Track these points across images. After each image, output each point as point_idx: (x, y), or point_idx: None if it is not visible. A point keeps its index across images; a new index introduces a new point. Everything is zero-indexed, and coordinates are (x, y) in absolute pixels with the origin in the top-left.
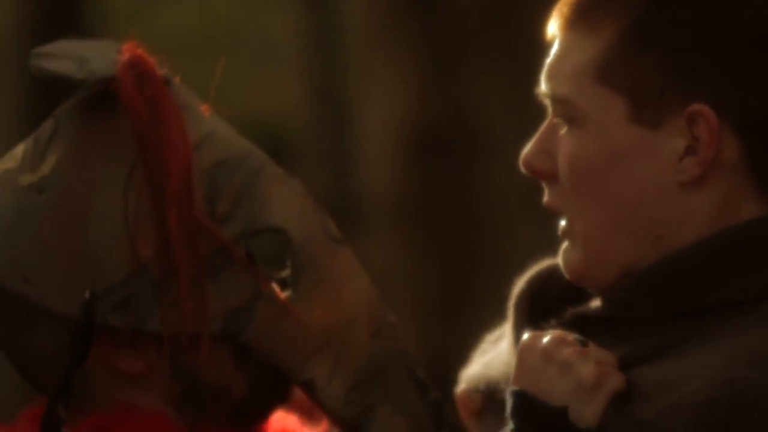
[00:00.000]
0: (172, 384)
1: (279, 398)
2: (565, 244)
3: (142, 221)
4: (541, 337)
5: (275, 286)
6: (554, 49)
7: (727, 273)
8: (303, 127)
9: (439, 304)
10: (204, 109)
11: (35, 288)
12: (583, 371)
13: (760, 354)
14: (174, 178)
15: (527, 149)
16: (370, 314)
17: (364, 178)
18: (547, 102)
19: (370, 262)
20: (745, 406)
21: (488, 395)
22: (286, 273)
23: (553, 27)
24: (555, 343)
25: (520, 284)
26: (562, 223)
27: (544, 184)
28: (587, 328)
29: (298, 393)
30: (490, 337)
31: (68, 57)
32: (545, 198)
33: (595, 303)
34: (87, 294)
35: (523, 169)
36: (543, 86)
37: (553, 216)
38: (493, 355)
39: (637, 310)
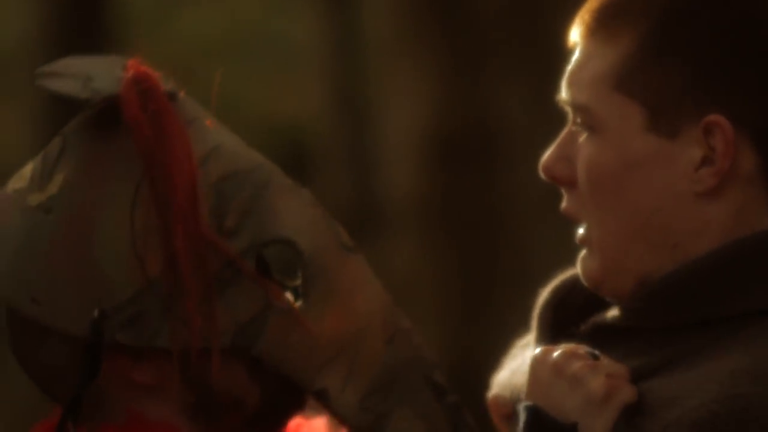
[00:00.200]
0: (186, 395)
1: (294, 407)
2: (583, 252)
3: (150, 238)
4: (552, 351)
5: (286, 298)
6: (575, 56)
7: (742, 284)
8: (325, 131)
9: (460, 307)
10: (209, 123)
11: (44, 309)
12: (593, 384)
13: (762, 369)
14: (179, 194)
15: (547, 155)
16: (383, 321)
17: (386, 182)
18: (568, 109)
19: (391, 266)
20: (747, 422)
21: (515, 402)
22: (297, 284)
23: (575, 34)
24: (565, 356)
25: (544, 294)
26: (580, 230)
27: (563, 191)
28: (605, 338)
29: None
30: (520, 342)
31: (72, 76)
32: (563, 204)
33: (613, 312)
34: (95, 313)
35: (542, 175)
36: (563, 93)
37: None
38: (519, 363)
39: (652, 320)
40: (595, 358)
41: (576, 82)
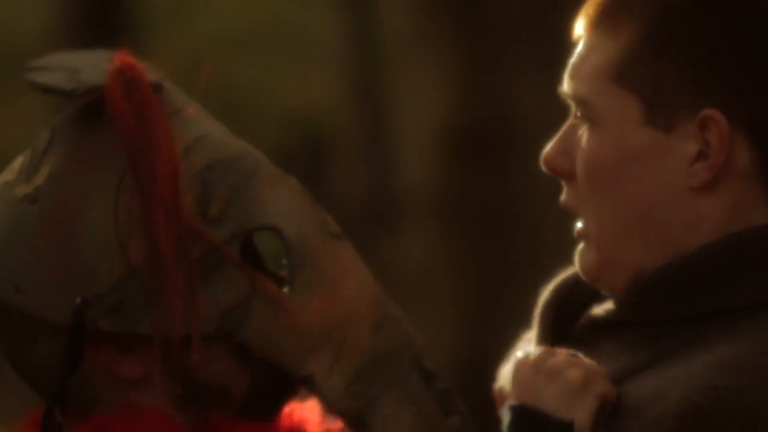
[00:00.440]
0: (173, 385)
1: (286, 393)
2: (581, 246)
3: (133, 226)
4: (532, 354)
5: (271, 284)
6: (578, 49)
7: (735, 278)
8: (342, 124)
9: (475, 300)
10: (194, 112)
11: (27, 297)
12: (571, 374)
13: (746, 361)
14: (161, 183)
15: (548, 148)
16: (370, 308)
17: (403, 175)
18: (570, 102)
19: (407, 258)
20: (729, 413)
21: None
22: (283, 271)
23: (579, 27)
24: (543, 354)
25: (545, 292)
26: (578, 224)
27: (563, 184)
28: (600, 332)
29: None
30: (527, 336)
31: (60, 69)
32: (562, 197)
33: (608, 307)
34: (78, 300)
35: (543, 168)
36: (565, 86)
37: None
38: None
39: (645, 314)
40: (573, 357)
41: (577, 75)
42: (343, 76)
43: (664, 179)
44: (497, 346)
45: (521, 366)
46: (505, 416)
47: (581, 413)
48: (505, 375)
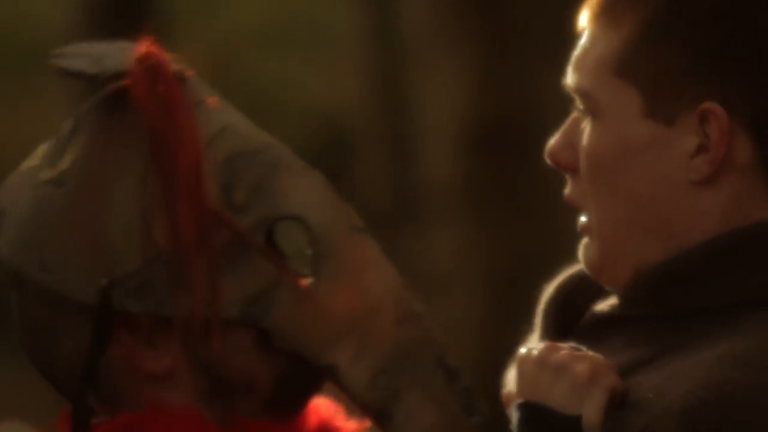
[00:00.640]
0: (199, 379)
1: (310, 388)
2: (584, 240)
3: (158, 209)
4: (534, 349)
5: (296, 273)
6: (581, 41)
7: (736, 273)
8: (365, 119)
9: (497, 295)
10: (217, 103)
11: (53, 276)
12: (578, 368)
13: (751, 356)
14: (183, 169)
15: (552, 142)
16: (394, 302)
17: (425, 170)
18: (573, 95)
19: (430, 252)
20: (734, 408)
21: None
22: (307, 260)
23: (583, 19)
24: (547, 349)
25: (548, 290)
26: (582, 218)
27: (567, 177)
28: (604, 328)
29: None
30: (530, 340)
31: (85, 55)
32: (566, 191)
33: (612, 302)
34: (104, 281)
35: (548, 162)
36: (569, 78)
37: None
38: None
39: (647, 309)
40: (577, 350)
41: (580, 67)
42: (366, 73)
43: (664, 173)
44: (517, 340)
45: (524, 362)
46: (513, 415)
47: (591, 407)
48: (511, 379)
